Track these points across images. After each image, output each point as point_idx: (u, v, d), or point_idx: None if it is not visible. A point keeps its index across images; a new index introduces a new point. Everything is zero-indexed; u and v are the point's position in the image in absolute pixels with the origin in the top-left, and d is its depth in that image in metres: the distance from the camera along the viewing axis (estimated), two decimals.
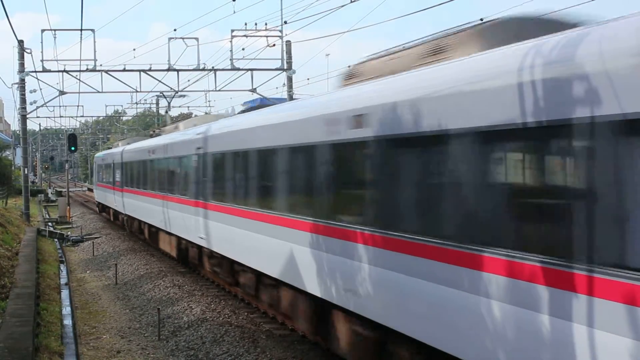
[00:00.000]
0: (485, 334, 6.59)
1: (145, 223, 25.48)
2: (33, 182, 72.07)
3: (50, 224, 38.98)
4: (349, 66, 10.79)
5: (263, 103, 20.99)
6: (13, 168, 62.64)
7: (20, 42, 32.01)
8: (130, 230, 30.11)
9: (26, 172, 37.53)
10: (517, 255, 6.21)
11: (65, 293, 18.17)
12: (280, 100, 24.21)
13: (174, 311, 15.17)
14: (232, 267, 15.12)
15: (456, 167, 7.02)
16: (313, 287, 10.22)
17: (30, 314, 12.28)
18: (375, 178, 8.47)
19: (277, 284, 12.37)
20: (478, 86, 6.75)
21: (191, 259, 19.19)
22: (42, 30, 31.87)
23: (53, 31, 32.42)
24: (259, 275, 13.34)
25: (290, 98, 31.37)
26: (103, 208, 40.69)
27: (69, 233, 32.84)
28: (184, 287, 17.66)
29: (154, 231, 23.98)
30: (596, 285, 5.46)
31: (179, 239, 19.89)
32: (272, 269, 12.03)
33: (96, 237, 30.59)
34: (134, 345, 12.99)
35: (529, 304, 6.07)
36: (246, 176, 13.57)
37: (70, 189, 48.45)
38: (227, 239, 14.62)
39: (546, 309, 5.90)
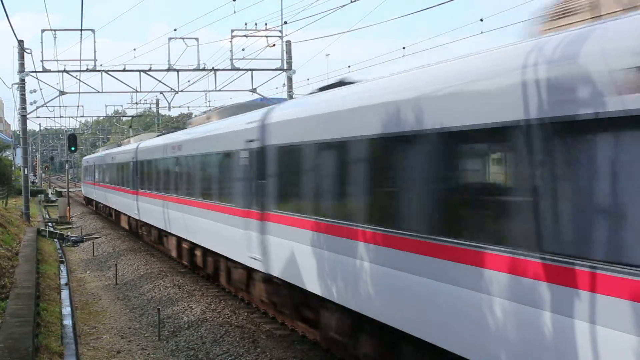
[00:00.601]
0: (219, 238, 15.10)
1: (112, 208, 35.96)
2: (33, 183, 72.10)
3: (50, 224, 38.99)
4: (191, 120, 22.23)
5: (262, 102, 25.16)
6: (13, 168, 62.63)
7: (20, 42, 32.01)
8: (104, 215, 40.55)
9: (26, 172, 37.54)
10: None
11: (65, 293, 18.18)
12: (280, 101, 24.45)
13: (174, 311, 15.18)
14: (150, 229, 24.93)
15: (205, 169, 16.51)
16: (176, 231, 19.71)
17: (30, 314, 12.28)
18: (183, 173, 18.51)
19: (167, 234, 21.84)
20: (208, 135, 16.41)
21: (133, 229, 29.49)
22: (42, 31, 31.89)
23: (53, 31, 32.44)
24: (160, 230, 23.07)
25: (290, 98, 31.38)
26: (89, 201, 50.94)
27: (69, 233, 32.86)
28: (184, 287, 17.66)
29: (117, 214, 34.17)
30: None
31: (129, 217, 29.59)
32: (162, 225, 21.70)
33: (96, 237, 30.60)
34: (134, 345, 13.00)
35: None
36: (150, 175, 23.73)
37: (70, 189, 48.46)
38: (147, 212, 24.23)
39: None
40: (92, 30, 32.48)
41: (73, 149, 37.90)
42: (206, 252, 17.14)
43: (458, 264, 6.97)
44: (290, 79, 33.11)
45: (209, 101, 50.26)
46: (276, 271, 11.61)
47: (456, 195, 7.21)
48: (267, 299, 13.13)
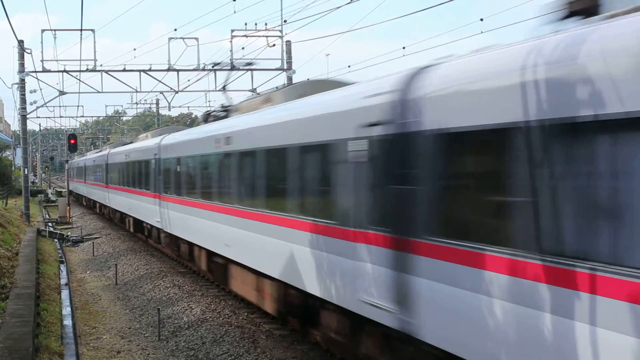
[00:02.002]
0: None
1: (86, 197, 50.06)
2: (33, 182, 72.07)
3: (50, 224, 38.99)
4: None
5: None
6: (13, 168, 62.63)
7: (20, 42, 32.01)
8: (82, 202, 53.91)
9: (26, 172, 37.54)
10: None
11: (65, 293, 18.17)
12: None
13: (174, 311, 15.17)
14: (115, 212, 33.32)
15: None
16: (134, 214, 26.15)
17: (30, 314, 12.27)
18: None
19: (126, 215, 29.29)
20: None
21: (104, 213, 39.06)
22: (42, 31, 31.87)
23: (53, 31, 32.49)
24: (122, 213, 30.94)
25: None
26: (71, 192, 63.33)
27: (69, 233, 32.85)
28: (184, 287, 17.65)
29: (93, 202, 45.37)
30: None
31: (102, 205, 39.18)
32: (122, 209, 29.53)
33: (96, 238, 30.60)
34: (134, 345, 12.99)
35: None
36: (109, 173, 34.75)
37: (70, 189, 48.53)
38: (111, 200, 32.91)
39: None
40: (92, 30, 32.50)
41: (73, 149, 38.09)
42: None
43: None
44: (290, 79, 33.08)
45: (209, 101, 50.20)
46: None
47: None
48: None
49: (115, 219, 34.42)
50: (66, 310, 15.94)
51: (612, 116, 5.05)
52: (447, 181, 6.88)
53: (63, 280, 20.26)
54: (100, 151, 45.11)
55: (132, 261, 22.84)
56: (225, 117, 15.96)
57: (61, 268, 22.90)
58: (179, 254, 20.23)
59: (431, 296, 6.96)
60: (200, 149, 16.06)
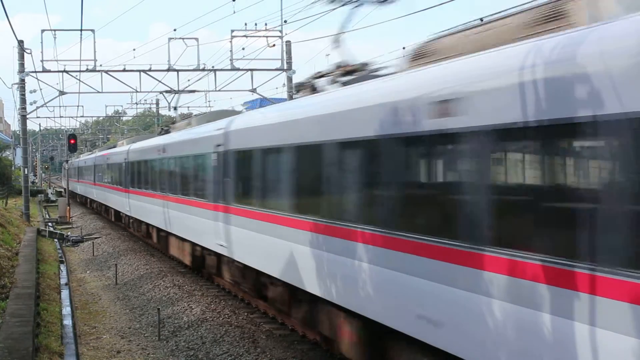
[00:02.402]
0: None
1: (79, 194, 56.21)
2: (33, 183, 72.07)
3: (50, 224, 38.99)
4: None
5: (262, 104, 27.13)
6: (13, 168, 62.68)
7: (20, 43, 31.99)
8: (77, 199, 58.91)
9: (26, 172, 37.53)
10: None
11: (65, 293, 18.17)
12: (280, 101, 24.76)
13: (174, 311, 15.17)
14: (101, 205, 39.46)
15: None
16: (113, 206, 33.06)
17: (30, 314, 12.28)
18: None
19: (108, 207, 35.67)
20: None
21: (93, 207, 45.55)
22: (42, 31, 31.88)
23: (53, 31, 32.47)
24: (106, 206, 37.04)
25: (290, 98, 31.38)
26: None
27: (68, 233, 32.85)
28: (184, 287, 17.66)
29: (85, 198, 51.85)
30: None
31: (92, 200, 46.02)
32: (105, 202, 36.39)
33: (96, 238, 30.60)
34: (134, 345, 13.00)
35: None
36: (102, 173, 38.84)
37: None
38: (96, 195, 40.43)
39: None
40: (92, 31, 32.47)
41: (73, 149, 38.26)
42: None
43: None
44: (290, 79, 33.08)
45: (209, 101, 50.21)
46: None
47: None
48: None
49: (101, 212, 41.36)
50: (66, 310, 15.93)
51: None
52: (238, 175, 13.29)
53: (63, 280, 20.25)
54: (91, 154, 53.52)
55: (132, 261, 22.84)
56: (169, 132, 22.90)
57: (61, 268, 22.89)
58: (142, 234, 26.74)
59: (236, 236, 13.19)
60: (151, 154, 22.54)
